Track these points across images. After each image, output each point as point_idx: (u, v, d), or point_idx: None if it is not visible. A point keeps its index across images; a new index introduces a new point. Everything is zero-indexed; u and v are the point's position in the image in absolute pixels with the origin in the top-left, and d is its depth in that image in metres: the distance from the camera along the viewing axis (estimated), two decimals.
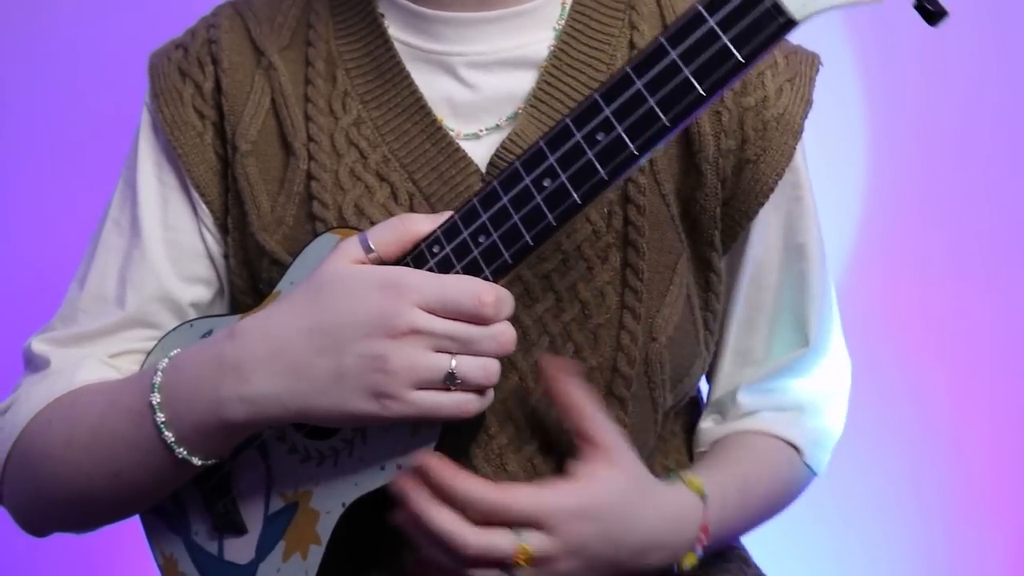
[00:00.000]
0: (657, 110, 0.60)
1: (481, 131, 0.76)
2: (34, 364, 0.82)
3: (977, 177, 1.31)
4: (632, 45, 0.76)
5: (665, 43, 0.60)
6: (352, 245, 0.66)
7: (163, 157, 0.81)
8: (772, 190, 0.76)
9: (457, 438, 0.68)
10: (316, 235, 0.72)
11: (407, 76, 0.77)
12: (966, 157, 1.31)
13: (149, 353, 0.80)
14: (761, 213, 0.77)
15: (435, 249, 0.66)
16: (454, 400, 0.63)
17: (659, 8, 0.77)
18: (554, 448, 0.75)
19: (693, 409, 0.86)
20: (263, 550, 0.74)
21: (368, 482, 0.69)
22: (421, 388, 0.63)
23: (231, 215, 0.79)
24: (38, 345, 0.81)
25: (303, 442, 0.72)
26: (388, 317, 0.62)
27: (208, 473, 0.76)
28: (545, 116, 0.74)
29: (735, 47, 0.59)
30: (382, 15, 0.79)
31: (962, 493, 1.33)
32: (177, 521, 0.79)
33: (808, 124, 0.77)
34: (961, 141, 1.31)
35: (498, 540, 0.65)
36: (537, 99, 0.75)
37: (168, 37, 0.84)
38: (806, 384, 0.83)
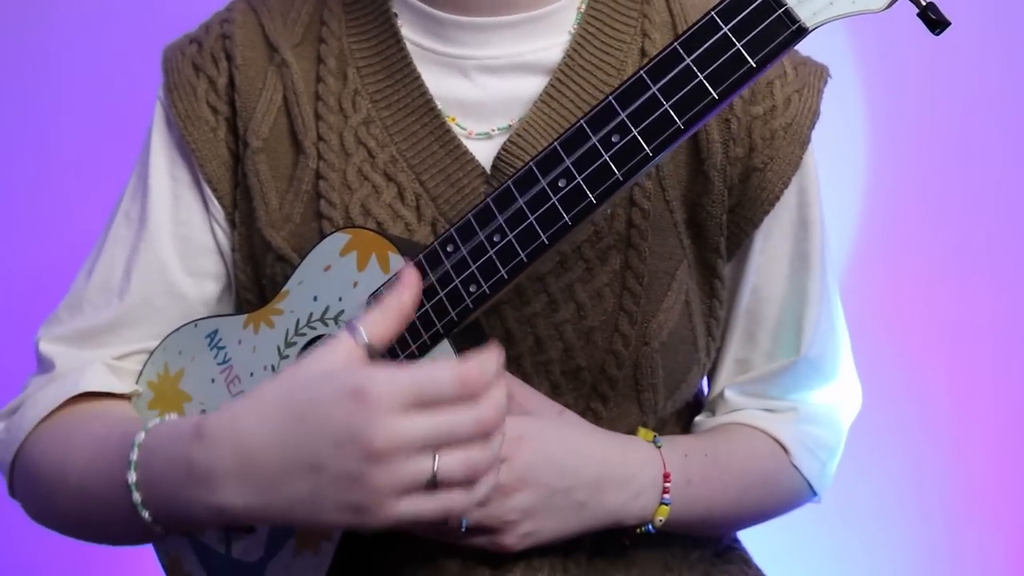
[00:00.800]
0: (672, 113, 0.62)
1: (493, 131, 0.76)
2: (41, 365, 0.82)
3: (977, 177, 1.32)
4: (643, 52, 0.77)
5: (680, 48, 0.62)
6: (344, 337, 0.61)
7: (176, 152, 0.81)
8: (778, 198, 0.77)
9: None
10: (324, 235, 0.73)
11: (417, 76, 0.77)
12: (966, 157, 1.31)
13: (152, 353, 0.80)
14: (767, 221, 0.78)
15: (449, 248, 0.67)
16: (438, 503, 0.58)
17: (671, 17, 0.78)
18: None
19: (694, 412, 0.86)
20: (273, 547, 0.74)
21: None
22: (403, 496, 0.57)
23: (239, 210, 0.79)
24: (45, 345, 0.81)
25: None
26: (361, 432, 0.56)
27: None
28: (550, 119, 0.75)
29: (748, 53, 0.60)
30: (396, 15, 0.79)
31: (963, 493, 1.34)
32: None
33: (812, 143, 0.77)
34: (961, 141, 1.31)
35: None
36: (544, 102, 0.75)
37: (177, 33, 0.84)
38: (804, 395, 0.83)
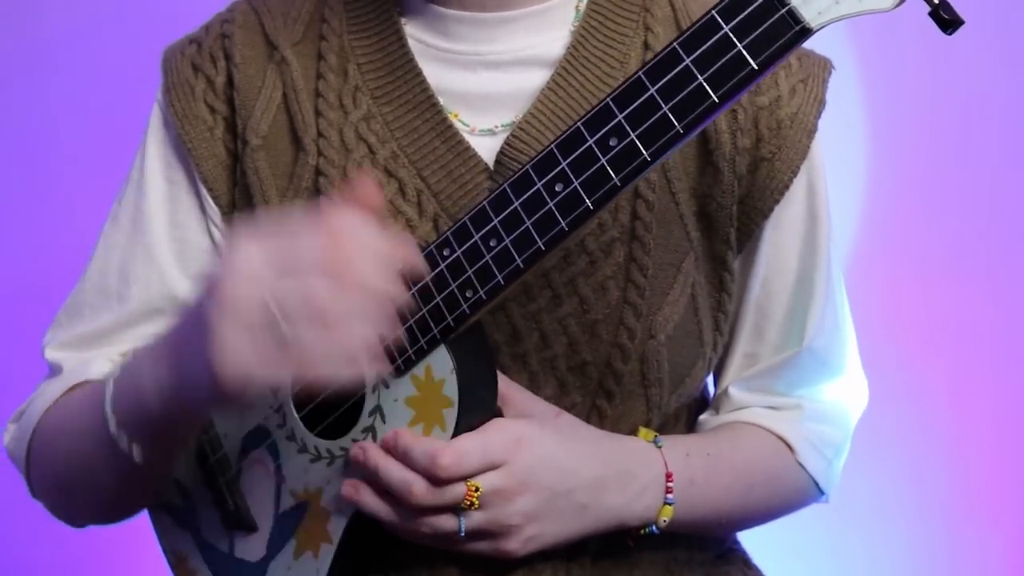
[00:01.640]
0: (671, 116, 0.60)
1: (496, 127, 0.76)
2: (50, 371, 0.83)
3: (977, 176, 1.31)
4: (646, 46, 0.76)
5: (679, 49, 0.60)
6: None
7: (172, 154, 0.81)
8: (787, 187, 0.76)
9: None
10: None
11: (419, 72, 0.77)
12: (966, 156, 1.31)
13: None
14: (776, 212, 0.77)
15: (446, 252, 0.66)
16: (290, 357, 0.56)
17: (673, 11, 0.78)
18: None
19: (700, 410, 0.86)
20: (274, 548, 0.74)
21: None
22: (255, 352, 0.56)
23: (239, 209, 0.79)
24: (51, 352, 0.82)
25: (313, 441, 0.72)
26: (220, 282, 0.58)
27: (218, 471, 0.76)
28: (554, 113, 0.75)
29: (750, 54, 0.59)
30: (399, 13, 0.79)
31: (962, 493, 1.33)
32: (187, 518, 0.79)
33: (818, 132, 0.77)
34: (962, 140, 1.31)
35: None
36: (547, 96, 0.75)
37: (176, 36, 0.84)
38: (810, 391, 0.83)
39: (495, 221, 0.65)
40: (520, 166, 0.72)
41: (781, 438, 0.81)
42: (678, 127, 0.60)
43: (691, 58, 0.60)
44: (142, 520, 0.83)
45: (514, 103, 0.76)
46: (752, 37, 0.59)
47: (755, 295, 0.80)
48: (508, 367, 0.74)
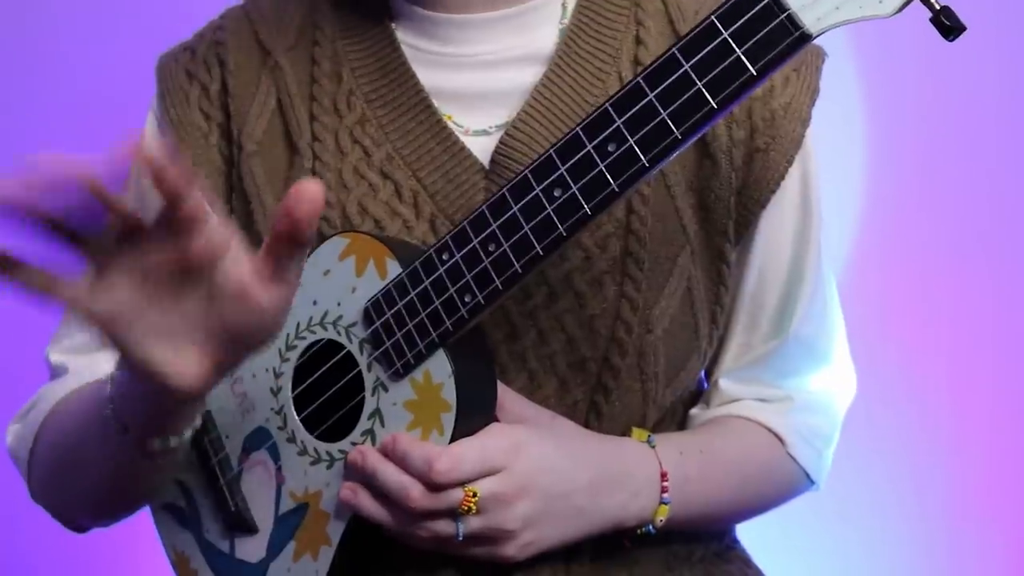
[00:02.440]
0: (669, 122, 0.60)
1: (490, 127, 0.76)
2: (54, 373, 0.83)
3: (977, 176, 1.31)
4: (638, 40, 0.76)
5: (678, 54, 0.60)
6: None
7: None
8: (783, 177, 0.76)
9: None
10: (323, 237, 0.72)
11: (412, 75, 0.77)
12: (966, 155, 1.31)
13: None
14: (773, 202, 0.77)
15: (444, 256, 0.66)
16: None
17: (664, 5, 0.78)
18: None
19: (693, 404, 0.86)
20: (274, 549, 0.75)
21: None
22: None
23: (236, 215, 0.79)
24: (57, 356, 0.82)
25: (314, 444, 0.73)
26: None
27: (220, 472, 0.77)
28: (548, 111, 0.75)
29: (748, 60, 0.58)
30: (389, 18, 0.79)
31: (962, 493, 1.33)
32: (189, 519, 0.79)
33: (812, 123, 0.77)
34: (961, 139, 1.31)
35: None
36: (540, 93, 0.75)
37: (176, 40, 0.84)
38: (799, 381, 0.83)
39: (494, 226, 0.65)
40: (515, 164, 0.73)
41: (772, 431, 0.81)
42: (676, 133, 0.60)
43: (690, 64, 0.60)
44: (144, 520, 0.83)
45: (507, 102, 0.76)
46: (751, 43, 0.58)
47: (750, 286, 0.80)
48: (507, 366, 0.74)
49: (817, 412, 0.83)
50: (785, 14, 0.58)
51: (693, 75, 0.60)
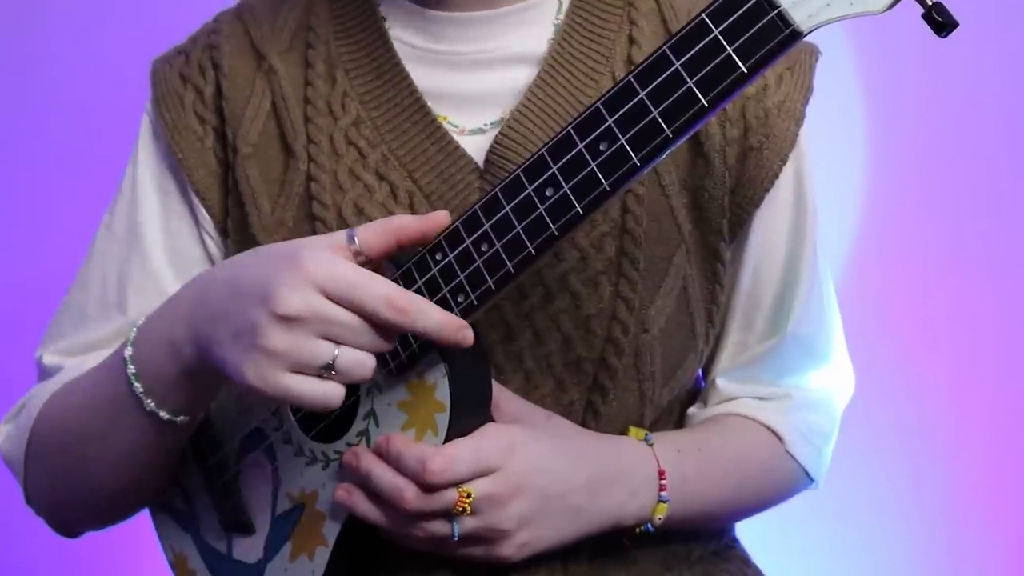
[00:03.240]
0: (660, 121, 0.60)
1: (485, 125, 0.76)
2: (45, 374, 0.83)
3: (976, 174, 1.31)
4: (631, 40, 0.76)
5: (669, 52, 0.60)
6: (338, 234, 0.65)
7: (163, 164, 0.81)
8: (777, 176, 0.76)
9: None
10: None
11: (406, 76, 0.77)
12: (965, 154, 1.31)
13: None
14: (767, 201, 0.77)
15: (438, 256, 0.66)
16: (323, 391, 0.62)
17: (657, 4, 0.78)
18: None
19: (690, 403, 0.86)
20: (271, 550, 0.75)
21: None
22: (294, 371, 0.62)
23: (232, 218, 0.79)
24: (49, 358, 0.82)
25: (309, 445, 0.73)
26: (275, 289, 0.61)
27: (217, 472, 0.77)
28: (541, 110, 0.75)
29: (739, 57, 0.58)
30: (384, 18, 0.79)
31: (962, 492, 1.33)
32: (187, 519, 0.79)
33: (808, 122, 0.77)
34: (961, 138, 1.30)
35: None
36: (534, 93, 0.75)
37: (169, 44, 0.84)
38: (797, 379, 0.83)
39: (486, 226, 0.65)
40: (509, 164, 0.73)
41: (770, 429, 0.81)
42: (667, 132, 0.60)
43: (680, 62, 0.60)
44: (144, 521, 0.83)
45: (502, 101, 0.76)
46: (742, 40, 0.58)
47: (746, 285, 0.80)
48: (503, 366, 0.74)
49: (816, 410, 0.83)
50: (776, 11, 0.58)
51: (684, 73, 0.60)
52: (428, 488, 0.66)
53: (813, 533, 1.30)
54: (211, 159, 0.79)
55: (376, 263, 0.66)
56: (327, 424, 0.73)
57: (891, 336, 1.31)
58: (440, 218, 0.66)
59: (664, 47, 0.60)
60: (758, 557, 0.88)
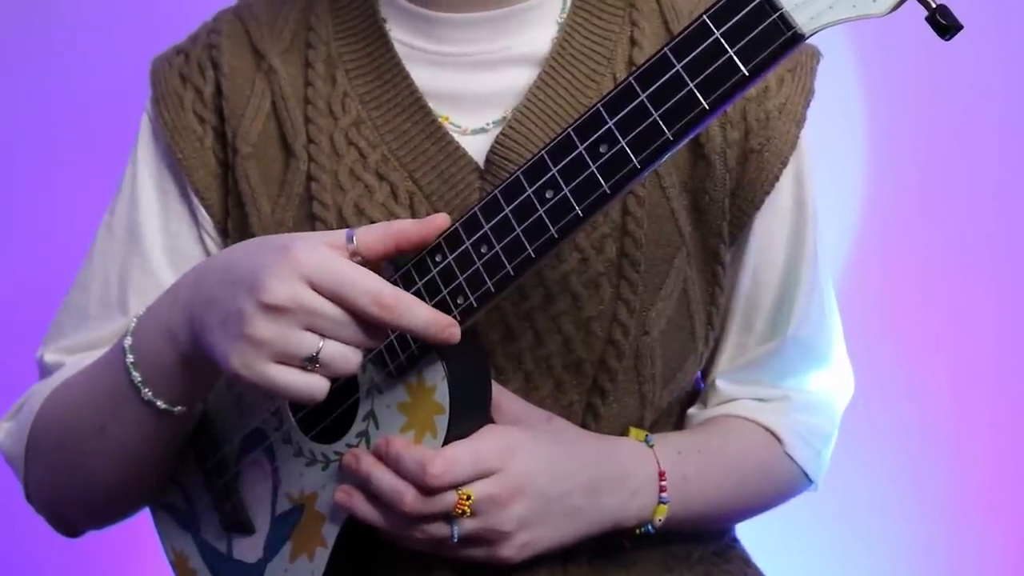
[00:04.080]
0: (661, 124, 0.60)
1: (487, 125, 0.76)
2: (47, 372, 0.83)
3: (977, 175, 1.31)
4: (632, 41, 0.76)
5: (670, 54, 0.60)
6: (338, 232, 0.65)
7: (162, 163, 0.81)
8: (777, 179, 0.76)
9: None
10: None
11: (407, 76, 0.77)
12: (966, 155, 1.30)
13: None
14: (767, 203, 0.77)
15: (437, 258, 0.66)
16: (307, 383, 0.62)
17: (659, 5, 0.78)
18: None
19: (689, 404, 0.86)
20: (271, 550, 0.75)
21: None
22: (278, 362, 0.62)
23: (231, 218, 0.79)
24: (51, 356, 0.82)
25: (309, 445, 0.73)
26: (265, 278, 0.61)
27: (217, 473, 0.77)
28: (542, 110, 0.75)
29: (740, 60, 0.58)
30: (384, 20, 0.79)
31: (962, 492, 1.33)
32: (187, 519, 0.79)
33: (809, 125, 0.77)
34: (961, 139, 1.30)
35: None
36: (535, 94, 0.75)
37: (170, 42, 0.84)
38: (797, 381, 0.83)
39: (486, 228, 0.65)
40: (510, 165, 0.73)
41: (769, 430, 0.81)
42: (668, 134, 0.60)
43: (682, 64, 0.59)
44: (145, 520, 0.83)
45: (504, 101, 0.76)
46: (743, 43, 0.58)
47: (745, 287, 0.80)
48: (503, 367, 0.74)
49: (815, 412, 0.83)
50: (777, 13, 0.57)
51: (685, 75, 0.59)
52: (428, 491, 0.66)
53: (813, 533, 1.30)
54: (211, 159, 0.79)
55: (375, 264, 0.66)
56: (327, 425, 0.73)
57: (891, 336, 1.31)
58: (439, 221, 0.66)
59: (665, 49, 0.60)
60: (758, 557, 0.88)
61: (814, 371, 0.83)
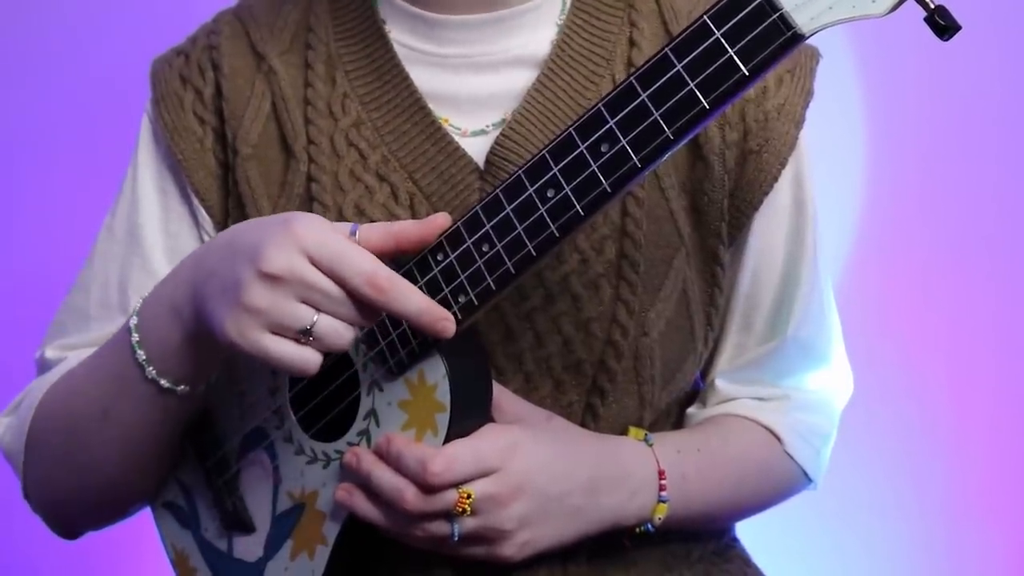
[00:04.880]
0: (661, 123, 0.60)
1: (487, 127, 0.76)
2: (48, 367, 0.83)
3: (976, 175, 1.31)
4: (632, 42, 0.76)
5: (670, 54, 0.60)
6: (343, 224, 0.66)
7: (163, 164, 0.82)
8: (776, 179, 0.76)
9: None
10: None
11: (406, 77, 0.77)
12: (965, 155, 1.31)
13: None
14: (766, 204, 0.77)
15: (439, 257, 0.66)
16: (300, 355, 0.62)
17: (658, 6, 0.78)
18: None
19: (688, 404, 0.86)
20: (271, 549, 0.75)
21: None
22: (273, 332, 0.62)
23: (232, 219, 0.79)
24: (52, 352, 0.83)
25: (310, 444, 0.73)
26: (264, 248, 0.62)
27: (218, 471, 0.77)
28: (542, 112, 0.75)
29: (741, 60, 0.58)
30: (384, 21, 0.79)
31: (962, 492, 1.33)
32: (188, 517, 0.80)
33: (808, 125, 0.77)
34: (961, 139, 1.30)
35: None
36: (534, 95, 0.75)
37: (170, 43, 0.84)
38: (796, 380, 0.83)
39: (487, 226, 0.65)
40: (510, 165, 0.73)
41: (769, 429, 0.81)
42: (668, 133, 0.60)
43: (682, 64, 0.60)
44: (145, 519, 0.83)
45: (504, 102, 0.77)
46: (743, 43, 0.58)
47: (745, 288, 0.80)
48: (503, 367, 0.74)
49: (815, 411, 0.84)
50: (777, 14, 0.58)
51: (685, 75, 0.60)
52: (428, 489, 0.66)
53: (813, 533, 1.30)
54: (211, 160, 0.80)
55: None
56: (328, 423, 0.73)
57: (891, 336, 1.31)
58: (440, 222, 0.67)
59: (666, 48, 0.61)
60: (758, 557, 0.88)
61: (813, 371, 0.83)
